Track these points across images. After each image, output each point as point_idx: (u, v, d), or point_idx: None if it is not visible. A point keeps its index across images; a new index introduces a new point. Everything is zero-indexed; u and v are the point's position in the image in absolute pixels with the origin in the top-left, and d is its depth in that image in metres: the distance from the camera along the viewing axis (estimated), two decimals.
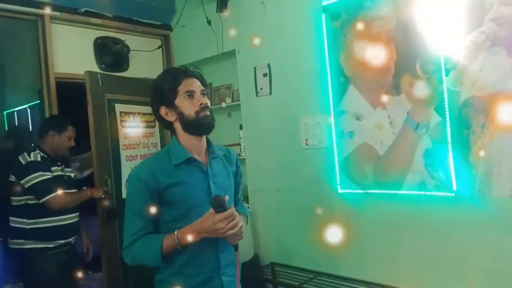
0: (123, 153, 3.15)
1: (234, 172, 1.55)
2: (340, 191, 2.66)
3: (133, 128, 3.26)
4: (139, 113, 3.32)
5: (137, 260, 1.34)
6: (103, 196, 2.77)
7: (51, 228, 2.46)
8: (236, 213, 1.30)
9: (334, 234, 2.73)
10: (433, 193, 2.21)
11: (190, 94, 1.37)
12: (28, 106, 3.76)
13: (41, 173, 2.41)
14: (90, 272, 3.40)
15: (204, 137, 1.44)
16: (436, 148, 2.19)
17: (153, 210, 1.34)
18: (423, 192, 2.24)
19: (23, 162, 2.42)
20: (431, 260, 2.30)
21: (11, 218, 2.45)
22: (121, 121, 3.17)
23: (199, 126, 1.38)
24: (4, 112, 4.05)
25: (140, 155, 3.30)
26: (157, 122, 3.48)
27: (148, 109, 3.40)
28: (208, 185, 1.40)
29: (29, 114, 4.02)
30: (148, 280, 1.47)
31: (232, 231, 1.27)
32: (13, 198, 2.45)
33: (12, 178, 2.43)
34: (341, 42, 2.55)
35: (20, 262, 2.40)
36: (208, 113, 1.37)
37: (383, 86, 2.37)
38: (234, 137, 3.43)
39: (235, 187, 1.55)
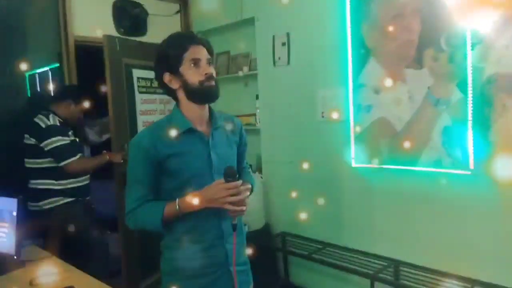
0: (140, 119, 3.17)
1: (238, 142, 1.53)
2: (354, 165, 2.65)
3: (150, 94, 3.28)
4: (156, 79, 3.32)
5: (138, 225, 1.37)
6: (122, 161, 2.84)
7: (78, 188, 2.61)
8: (243, 187, 1.29)
9: (346, 207, 2.76)
10: (449, 170, 2.18)
11: (196, 62, 1.32)
12: (50, 69, 3.80)
13: (60, 137, 2.49)
14: (109, 232, 3.53)
15: (206, 106, 1.42)
16: (455, 126, 2.14)
17: (154, 178, 1.36)
18: (439, 170, 2.21)
19: (43, 125, 2.48)
20: (442, 237, 2.30)
21: (34, 181, 2.52)
22: (139, 86, 3.18)
23: (203, 94, 1.35)
24: (26, 74, 4.11)
25: (157, 121, 3.33)
26: None
27: None
28: (208, 155, 1.38)
29: (50, 77, 4.08)
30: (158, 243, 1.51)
31: (232, 206, 1.26)
32: (31, 160, 2.53)
33: (31, 140, 2.49)
34: (364, 13, 2.47)
35: (42, 220, 2.50)
36: (213, 83, 1.34)
37: (405, 60, 2.30)
38: (251, 107, 3.42)
39: (238, 156, 1.52)
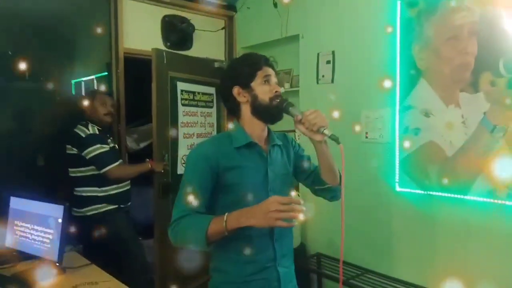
0: (181, 131, 3.22)
1: (296, 152, 1.53)
2: (398, 189, 2.54)
3: (192, 106, 3.32)
4: (198, 93, 3.37)
5: (180, 238, 1.28)
6: (163, 170, 2.88)
7: (120, 193, 2.69)
8: (300, 203, 1.18)
9: (388, 233, 2.64)
10: (504, 202, 2.04)
11: (268, 80, 1.37)
12: (95, 77, 3.95)
13: (99, 145, 2.57)
14: (140, 238, 3.57)
15: (266, 126, 1.43)
16: None
17: (208, 191, 1.32)
18: (493, 200, 2.08)
19: (83, 135, 2.57)
20: (492, 273, 2.14)
21: (79, 189, 2.61)
22: (182, 99, 3.23)
23: (270, 113, 1.37)
24: (72, 81, 4.29)
25: (197, 133, 3.37)
26: (215, 102, 3.53)
27: (207, 89, 3.44)
28: (266, 171, 1.38)
29: (95, 85, 4.24)
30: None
31: (284, 223, 1.14)
32: (75, 169, 2.61)
33: (73, 150, 2.58)
34: (416, 32, 2.39)
35: (84, 227, 2.55)
36: (279, 102, 1.36)
37: (459, 83, 2.20)
38: (290, 124, 3.36)
39: (305, 163, 1.53)
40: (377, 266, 2.68)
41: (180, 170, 3.18)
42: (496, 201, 2.08)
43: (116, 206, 2.66)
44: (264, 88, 1.36)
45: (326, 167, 1.42)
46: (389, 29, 2.52)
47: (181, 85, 3.21)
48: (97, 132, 2.63)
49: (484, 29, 2.10)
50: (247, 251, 1.33)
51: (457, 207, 2.26)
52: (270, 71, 1.39)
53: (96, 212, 2.60)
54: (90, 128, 2.61)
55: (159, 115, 2.98)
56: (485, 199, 2.11)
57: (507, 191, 2.04)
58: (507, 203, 2.04)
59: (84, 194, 2.60)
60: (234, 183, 1.33)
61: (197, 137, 3.35)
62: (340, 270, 1.33)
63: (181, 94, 3.23)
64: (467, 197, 2.18)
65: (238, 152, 1.36)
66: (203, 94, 3.41)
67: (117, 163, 2.62)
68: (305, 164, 1.53)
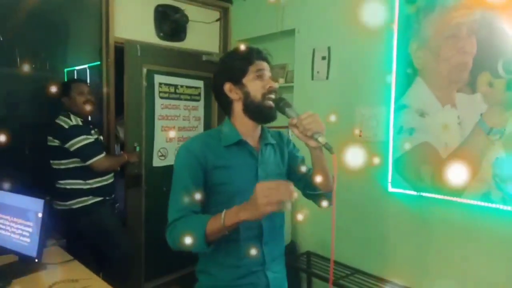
0: (158, 123, 3.18)
1: (290, 152, 1.47)
2: (390, 189, 2.50)
3: (173, 99, 3.27)
4: (181, 86, 3.32)
5: (178, 242, 1.18)
6: (138, 160, 2.90)
7: (104, 186, 2.63)
8: (290, 186, 1.08)
9: (379, 233, 2.60)
10: (498, 205, 2.00)
11: (260, 75, 1.28)
12: (88, 66, 3.86)
13: (84, 136, 2.50)
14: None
15: (259, 125, 1.36)
16: (508, 158, 1.97)
17: (202, 187, 1.25)
18: (488, 204, 2.04)
19: (66, 126, 2.47)
20: (485, 278, 2.11)
21: (62, 181, 2.53)
22: (160, 92, 3.18)
23: (262, 112, 1.29)
24: (65, 70, 4.21)
25: (179, 126, 3.33)
26: (202, 96, 3.46)
27: (193, 82, 3.40)
28: (256, 171, 1.32)
29: (88, 74, 4.15)
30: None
31: (275, 207, 1.03)
32: (57, 161, 2.53)
33: (55, 142, 2.49)
34: (414, 30, 2.33)
35: (69, 220, 2.49)
36: (272, 99, 1.28)
37: (456, 83, 2.15)
38: (283, 119, 3.31)
39: (299, 164, 1.46)
40: (368, 267, 2.65)
41: (156, 162, 3.17)
42: (490, 204, 2.04)
43: (102, 198, 2.61)
44: (256, 84, 1.27)
45: (319, 172, 1.34)
46: (387, 26, 2.47)
47: (159, 78, 3.17)
48: (80, 123, 2.54)
49: (483, 28, 2.05)
50: (235, 254, 1.28)
51: (450, 209, 2.22)
52: (263, 65, 1.30)
53: (82, 205, 2.53)
54: (72, 119, 2.52)
55: (130, 108, 2.99)
56: (479, 203, 2.07)
57: (501, 195, 2.00)
58: (502, 207, 2.00)
59: (68, 186, 2.52)
60: (222, 183, 1.27)
61: (179, 131, 3.32)
62: (330, 272, 1.28)
63: (160, 87, 3.17)
64: (461, 200, 2.14)
65: (227, 150, 1.30)
66: (188, 87, 3.37)
67: (102, 155, 2.56)
68: (299, 166, 1.46)
